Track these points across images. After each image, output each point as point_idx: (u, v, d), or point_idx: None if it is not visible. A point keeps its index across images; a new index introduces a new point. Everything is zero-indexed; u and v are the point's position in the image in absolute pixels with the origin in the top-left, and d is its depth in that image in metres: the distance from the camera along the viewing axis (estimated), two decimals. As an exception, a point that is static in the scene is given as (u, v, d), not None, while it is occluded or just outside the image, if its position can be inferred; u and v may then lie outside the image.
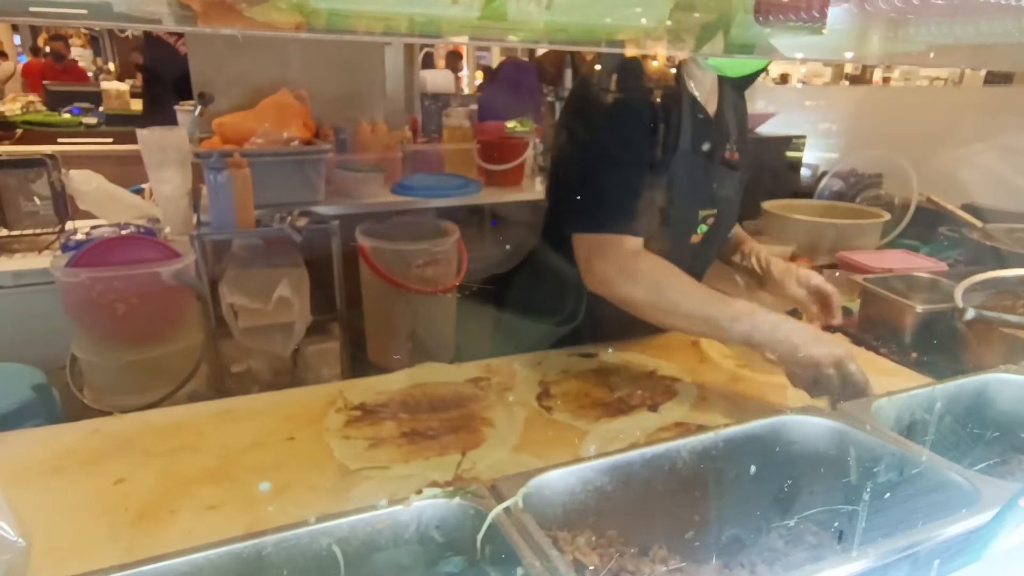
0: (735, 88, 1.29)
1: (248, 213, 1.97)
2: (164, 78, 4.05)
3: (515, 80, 3.77)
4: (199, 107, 2.47)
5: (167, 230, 2.06)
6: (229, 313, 1.86)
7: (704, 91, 1.19)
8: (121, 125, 4.66)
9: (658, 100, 1.13)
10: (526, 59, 4.13)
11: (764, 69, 1.21)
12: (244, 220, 1.96)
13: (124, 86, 5.18)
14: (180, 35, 4.29)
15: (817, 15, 0.41)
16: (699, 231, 1.24)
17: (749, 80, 1.27)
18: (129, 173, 2.40)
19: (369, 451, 0.89)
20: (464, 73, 7.32)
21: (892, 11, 0.40)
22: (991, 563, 0.44)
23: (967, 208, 1.90)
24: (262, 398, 1.05)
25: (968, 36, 0.47)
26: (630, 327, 1.27)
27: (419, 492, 0.59)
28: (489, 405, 1.04)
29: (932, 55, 0.52)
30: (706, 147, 1.19)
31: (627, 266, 1.09)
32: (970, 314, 1.14)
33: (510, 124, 3.19)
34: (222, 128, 2.32)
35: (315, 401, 1.02)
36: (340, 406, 1.01)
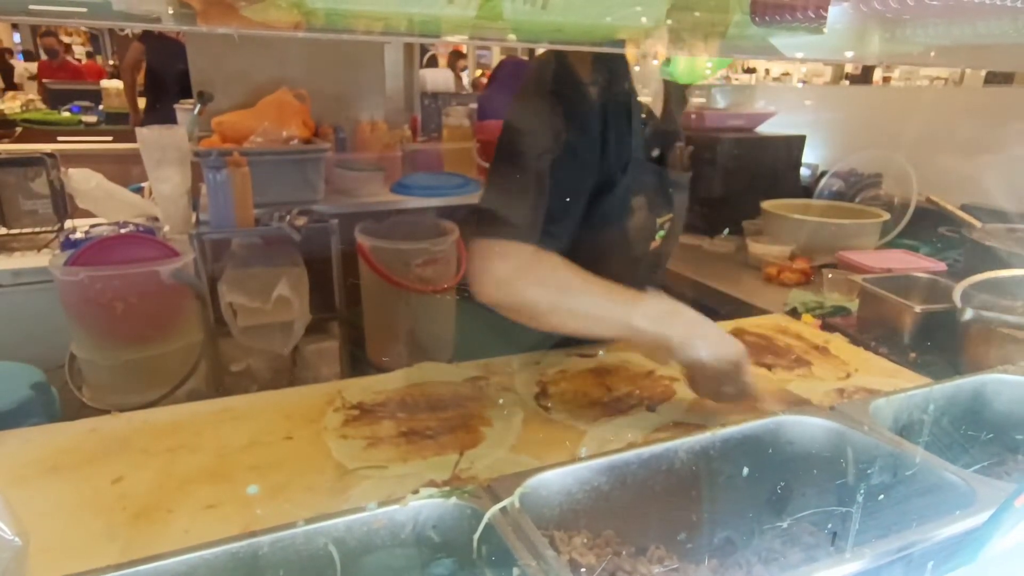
0: (676, 87, 1.24)
1: (247, 212, 1.97)
2: (164, 73, 4.04)
3: (515, 79, 3.76)
4: (198, 106, 2.47)
5: (166, 229, 2.07)
6: (228, 312, 1.86)
7: (652, 92, 1.16)
8: (121, 123, 4.66)
9: (604, 102, 1.05)
10: (526, 58, 4.12)
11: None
12: (243, 219, 1.96)
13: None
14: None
15: (813, 15, 0.41)
16: (657, 237, 1.22)
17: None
18: (128, 172, 2.40)
19: (367, 451, 0.89)
20: (465, 72, 7.32)
21: (888, 12, 0.40)
22: (987, 565, 0.44)
23: (966, 208, 1.90)
24: (260, 397, 1.05)
25: (966, 37, 0.47)
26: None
27: (415, 492, 0.59)
28: (487, 405, 1.04)
29: (932, 55, 0.52)
30: (656, 152, 1.17)
31: (526, 268, 0.97)
32: (968, 314, 1.14)
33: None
34: (221, 127, 2.32)
35: (313, 400, 1.02)
36: (338, 405, 1.01)
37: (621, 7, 0.39)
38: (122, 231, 1.87)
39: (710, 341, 0.92)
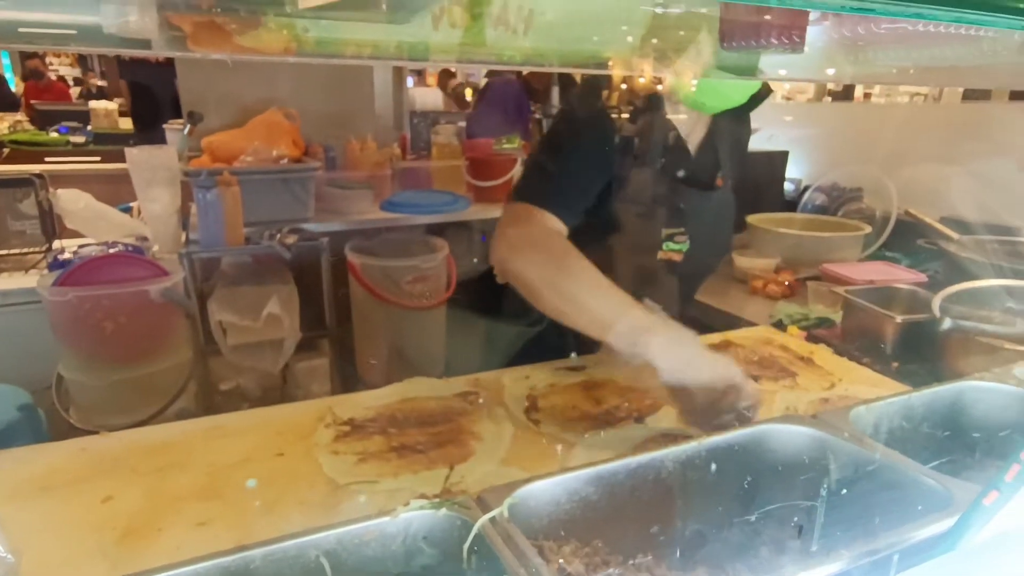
0: (735, 115, 1.24)
1: (237, 231, 1.98)
2: (151, 94, 4.06)
3: (503, 98, 3.82)
4: (188, 126, 2.48)
5: (155, 248, 2.07)
6: (218, 330, 1.86)
7: (690, 120, 1.22)
8: (110, 144, 4.65)
9: (627, 118, 1.16)
10: (513, 77, 4.19)
11: (762, 93, 1.21)
12: (233, 238, 1.97)
13: (112, 105, 5.18)
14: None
15: (775, 41, 0.43)
16: (667, 248, 1.24)
17: (748, 106, 1.22)
18: (117, 192, 2.40)
19: (358, 466, 0.90)
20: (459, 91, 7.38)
21: (849, 36, 0.42)
22: (962, 559, 0.46)
23: (945, 221, 1.95)
24: (251, 414, 1.06)
25: (925, 60, 0.50)
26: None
27: (406, 504, 0.60)
28: (477, 419, 1.04)
29: (894, 72, 0.55)
30: (680, 173, 1.21)
31: (537, 240, 1.04)
32: (947, 324, 1.17)
33: (499, 141, 3.23)
34: (211, 146, 2.34)
35: (304, 417, 1.03)
36: (329, 422, 1.01)
37: (596, 34, 0.41)
38: (111, 251, 1.87)
39: (692, 366, 0.86)
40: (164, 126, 3.28)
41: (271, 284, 1.99)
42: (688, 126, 1.22)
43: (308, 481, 0.86)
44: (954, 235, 1.83)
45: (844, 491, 0.67)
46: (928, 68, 0.60)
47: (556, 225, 1.09)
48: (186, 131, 2.48)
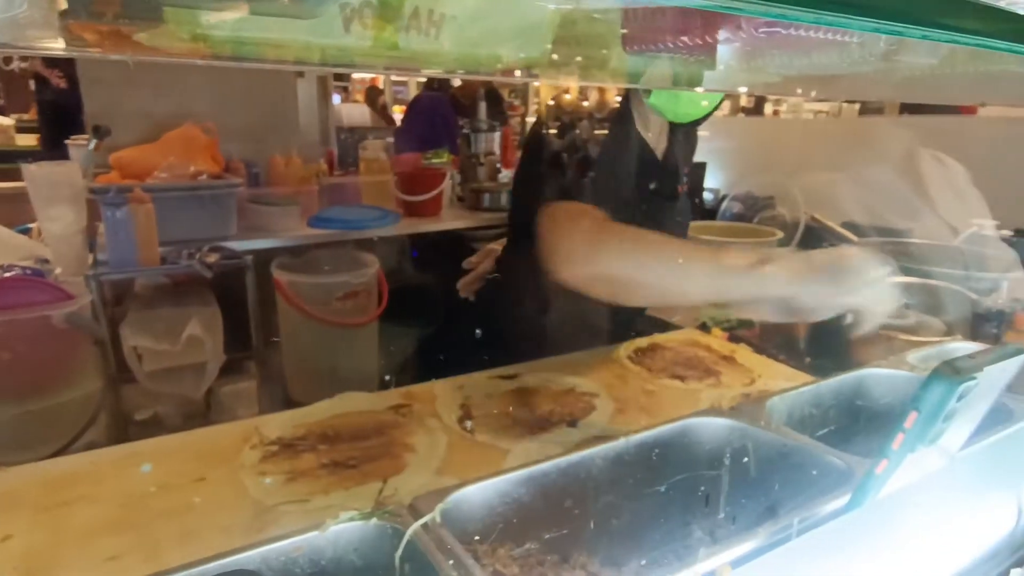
0: (691, 124, 1.30)
1: (152, 250, 1.88)
2: (57, 114, 3.82)
3: (430, 112, 3.82)
4: (94, 141, 2.34)
5: (58, 271, 1.92)
6: (132, 356, 1.76)
7: (655, 131, 1.25)
8: (7, 162, 4.31)
9: (605, 132, 1.16)
10: (439, 93, 4.21)
11: (714, 109, 1.27)
12: (147, 258, 1.87)
13: (9, 121, 4.82)
14: (65, 69, 4.07)
15: (672, 46, 0.46)
16: None
17: (696, 123, 1.28)
18: (14, 212, 2.23)
19: (287, 485, 0.87)
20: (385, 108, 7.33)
21: (737, 42, 0.46)
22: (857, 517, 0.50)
23: (846, 225, 2.10)
24: (169, 440, 1.00)
25: (805, 68, 0.54)
26: (552, 345, 1.31)
27: (335, 517, 0.58)
28: (411, 431, 1.03)
29: (781, 81, 0.60)
30: (652, 185, 1.24)
31: (595, 238, 0.98)
32: (850, 319, 1.26)
33: (427, 155, 3.23)
34: (120, 162, 2.22)
35: (228, 439, 0.98)
36: (256, 442, 0.97)
37: (510, 39, 0.43)
38: (6, 275, 1.73)
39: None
40: (67, 142, 3.08)
41: (191, 305, 1.90)
42: (655, 137, 1.26)
43: (232, 505, 0.82)
44: (854, 238, 1.97)
45: (760, 473, 0.71)
46: (811, 77, 0.65)
47: (601, 213, 1.03)
48: (91, 146, 2.33)
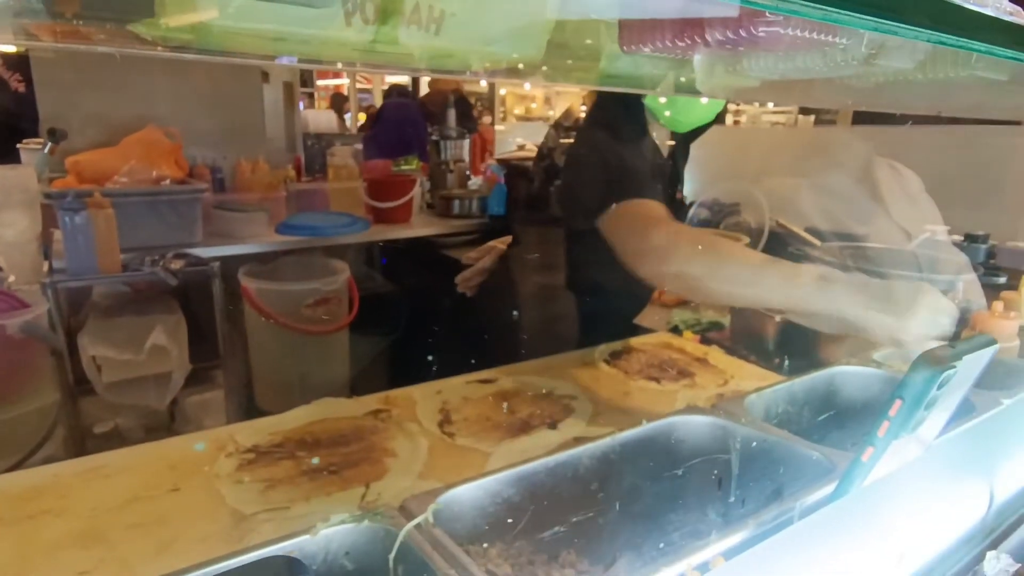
0: (685, 137, 1.40)
1: (112, 257, 1.81)
2: (11, 118, 3.67)
3: (399, 119, 3.81)
4: (49, 144, 2.25)
5: (11, 279, 1.84)
6: (91, 367, 1.69)
7: (663, 139, 1.31)
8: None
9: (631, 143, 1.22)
10: (406, 100, 4.20)
11: (711, 122, 1.32)
12: (107, 265, 1.80)
13: (-47, 124, 4.59)
14: (17, 71, 3.92)
15: (670, 44, 0.47)
16: None
17: (698, 131, 1.37)
18: (-37, 218, 2.12)
19: (265, 493, 0.84)
20: (348, 116, 7.28)
21: (725, 43, 0.47)
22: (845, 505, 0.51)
23: (809, 230, 2.17)
24: (139, 450, 0.96)
25: (789, 71, 0.56)
26: (529, 349, 1.31)
27: (325, 520, 0.57)
28: (391, 436, 1.02)
29: (759, 87, 0.62)
30: (659, 187, 1.28)
31: (675, 237, 1.05)
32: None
33: (397, 162, 3.21)
34: (78, 166, 2.14)
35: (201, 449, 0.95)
36: (231, 451, 0.94)
37: (509, 36, 0.43)
38: (-44, 284, 1.65)
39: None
40: (19, 146, 2.95)
41: (155, 314, 1.84)
42: (661, 144, 1.30)
43: (209, 515, 0.80)
44: (817, 242, 2.04)
45: (744, 468, 0.72)
46: (790, 82, 0.67)
47: (662, 210, 1.10)
48: (46, 150, 2.24)
